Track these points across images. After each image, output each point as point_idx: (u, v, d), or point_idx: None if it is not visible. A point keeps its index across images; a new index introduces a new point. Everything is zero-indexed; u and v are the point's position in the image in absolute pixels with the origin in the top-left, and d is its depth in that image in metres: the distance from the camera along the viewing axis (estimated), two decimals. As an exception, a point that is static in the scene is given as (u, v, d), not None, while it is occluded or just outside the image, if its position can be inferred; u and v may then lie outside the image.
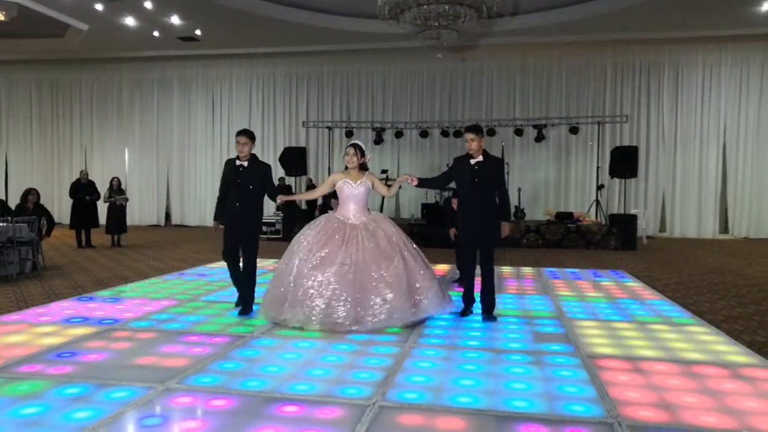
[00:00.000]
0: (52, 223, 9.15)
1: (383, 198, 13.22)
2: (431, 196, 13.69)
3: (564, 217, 12.63)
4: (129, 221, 12.24)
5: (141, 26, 13.46)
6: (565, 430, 2.88)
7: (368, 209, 5.28)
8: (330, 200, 5.97)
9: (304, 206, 13.23)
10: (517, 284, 7.26)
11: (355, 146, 5.24)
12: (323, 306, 4.65)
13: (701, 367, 3.92)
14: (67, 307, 5.69)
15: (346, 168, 5.23)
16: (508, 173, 14.59)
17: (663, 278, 7.99)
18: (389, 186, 5.53)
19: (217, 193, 5.65)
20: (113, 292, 6.54)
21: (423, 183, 5.48)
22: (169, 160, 17.37)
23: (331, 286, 4.70)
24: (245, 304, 5.38)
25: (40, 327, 4.85)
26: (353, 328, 4.62)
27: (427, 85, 15.84)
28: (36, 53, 16.31)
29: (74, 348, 4.24)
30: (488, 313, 5.28)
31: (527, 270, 8.56)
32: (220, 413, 3.06)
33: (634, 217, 12.34)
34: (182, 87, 17.27)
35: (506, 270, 8.50)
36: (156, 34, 14.06)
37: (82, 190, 11.18)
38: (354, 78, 16.26)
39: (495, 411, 3.11)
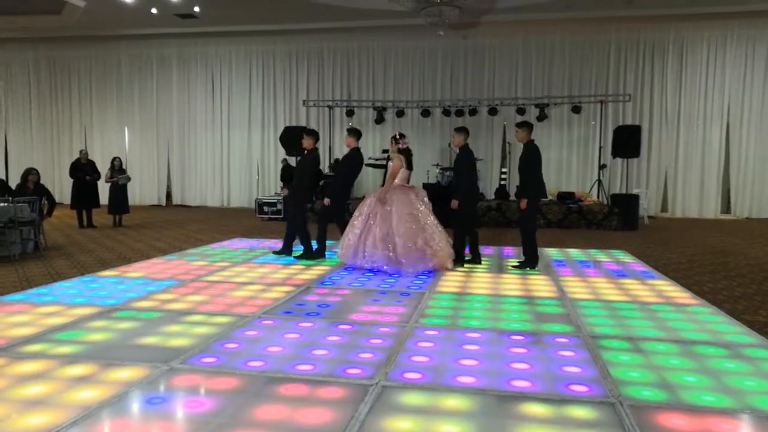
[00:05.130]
0: (53, 203, 9.13)
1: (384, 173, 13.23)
2: (432, 176, 13.64)
3: (565, 197, 12.60)
4: (129, 201, 12.20)
5: (139, 3, 13.26)
6: (567, 409, 2.90)
7: (412, 186, 6.95)
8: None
9: None
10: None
11: (392, 137, 6.91)
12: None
13: (702, 346, 3.94)
14: (70, 287, 5.71)
15: None
16: (509, 153, 14.55)
17: (664, 258, 7.99)
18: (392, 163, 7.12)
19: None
20: (116, 272, 6.56)
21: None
22: (170, 139, 17.28)
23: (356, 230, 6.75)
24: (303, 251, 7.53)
25: (44, 307, 4.87)
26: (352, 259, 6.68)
27: (429, 63, 15.65)
28: (33, 31, 16.11)
29: (78, 328, 4.26)
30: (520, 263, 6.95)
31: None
32: (224, 393, 3.08)
33: (636, 197, 12.30)
34: (181, 65, 17.10)
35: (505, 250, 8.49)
36: (154, 11, 13.86)
37: (82, 170, 11.13)
38: (354, 56, 16.08)
39: (497, 390, 3.12)
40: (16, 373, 3.32)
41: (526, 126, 6.89)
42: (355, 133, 7.52)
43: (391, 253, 6.42)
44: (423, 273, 6.51)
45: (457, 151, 7.11)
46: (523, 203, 6.75)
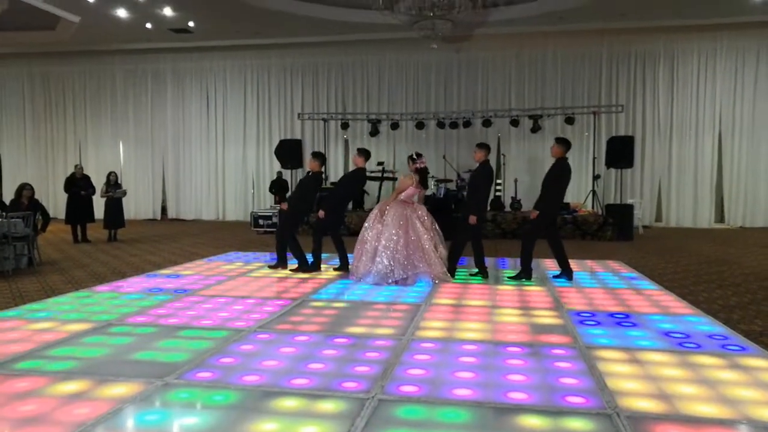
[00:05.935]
0: (47, 218, 9.09)
1: (379, 187, 13.25)
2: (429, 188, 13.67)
3: (560, 208, 12.62)
4: (125, 215, 12.15)
5: (133, 18, 13.33)
6: (564, 421, 2.89)
7: (413, 201, 6.84)
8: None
9: None
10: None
11: (408, 156, 7.03)
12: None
13: (698, 357, 3.94)
14: (64, 302, 5.67)
15: None
16: (504, 164, 14.60)
17: (660, 268, 8.02)
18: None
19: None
20: (111, 287, 6.52)
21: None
22: (164, 153, 17.27)
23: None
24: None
25: (38, 323, 4.83)
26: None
27: (423, 76, 15.76)
28: (27, 46, 16.14)
29: (72, 344, 4.23)
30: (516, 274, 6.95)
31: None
32: (220, 408, 3.06)
33: (630, 207, 12.36)
34: (176, 80, 17.15)
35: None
36: (148, 26, 13.94)
37: (77, 185, 11.11)
38: (349, 69, 16.17)
39: (494, 403, 3.11)
40: (9, 391, 3.28)
41: (563, 143, 6.89)
42: (364, 153, 7.66)
43: (373, 265, 6.48)
44: (418, 282, 6.52)
45: (477, 165, 7.17)
46: (533, 214, 6.81)
